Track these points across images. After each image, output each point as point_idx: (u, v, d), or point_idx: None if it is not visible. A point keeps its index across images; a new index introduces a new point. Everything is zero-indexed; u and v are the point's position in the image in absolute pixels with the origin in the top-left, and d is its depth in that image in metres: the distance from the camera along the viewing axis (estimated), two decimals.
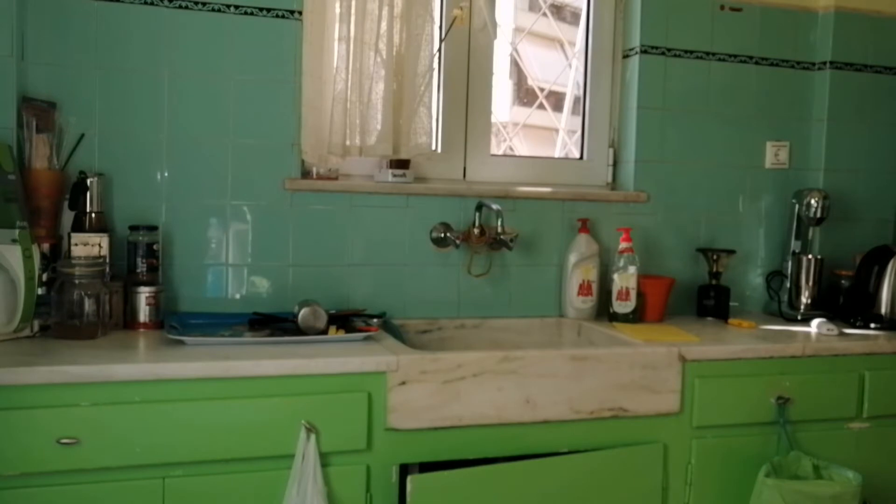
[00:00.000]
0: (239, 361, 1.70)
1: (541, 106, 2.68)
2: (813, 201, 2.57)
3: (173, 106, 2.13)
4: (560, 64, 2.70)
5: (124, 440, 1.62)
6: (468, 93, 2.47)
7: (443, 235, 2.35)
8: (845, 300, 2.57)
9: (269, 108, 2.20)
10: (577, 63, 2.67)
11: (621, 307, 2.37)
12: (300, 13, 2.20)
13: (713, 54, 2.61)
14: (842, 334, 2.27)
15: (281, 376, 1.72)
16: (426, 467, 1.82)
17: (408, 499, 1.75)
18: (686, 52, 2.59)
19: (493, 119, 2.54)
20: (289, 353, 1.80)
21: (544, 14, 2.67)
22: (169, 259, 2.14)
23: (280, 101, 2.20)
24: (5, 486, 1.56)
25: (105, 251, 1.99)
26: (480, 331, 2.39)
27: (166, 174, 2.14)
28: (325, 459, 1.73)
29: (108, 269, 1.97)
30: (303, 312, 1.97)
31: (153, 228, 2.08)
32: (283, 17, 2.19)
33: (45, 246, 1.95)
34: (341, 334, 1.98)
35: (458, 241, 2.33)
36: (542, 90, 2.68)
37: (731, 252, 2.57)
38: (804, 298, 2.60)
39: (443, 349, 2.12)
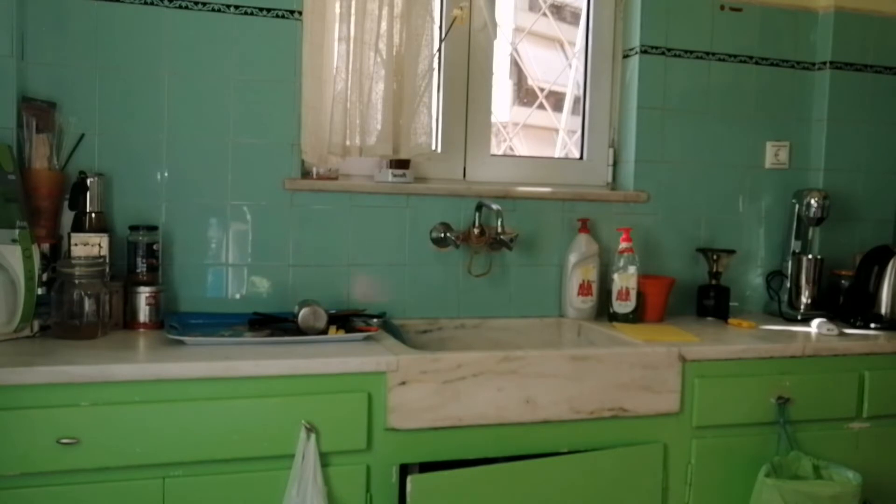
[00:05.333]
0: (239, 361, 1.70)
1: (541, 106, 2.68)
2: (813, 201, 2.57)
3: (173, 106, 2.13)
4: (560, 64, 2.70)
5: (124, 440, 1.62)
6: (468, 93, 2.47)
7: (443, 235, 2.35)
8: (845, 300, 2.57)
9: (269, 108, 2.20)
10: (577, 63, 2.67)
11: (621, 307, 2.37)
12: (300, 13, 2.20)
13: (713, 54, 2.61)
14: (842, 334, 2.27)
15: (281, 376, 1.72)
16: (426, 467, 1.82)
17: (408, 499, 1.75)
18: (686, 52, 2.59)
19: (493, 119, 2.54)
20: (289, 353, 1.80)
21: (544, 14, 2.67)
22: (169, 259, 2.14)
23: (280, 101, 2.20)
24: (5, 486, 1.56)
25: (105, 251, 1.99)
26: (480, 331, 2.39)
27: (166, 174, 2.14)
28: (325, 459, 1.73)
29: (108, 269, 1.97)
30: (303, 312, 1.97)
31: (153, 228, 2.08)
32: (283, 17, 2.19)
33: (45, 246, 1.95)
34: (341, 334, 1.98)
35: (458, 241, 2.33)
36: (542, 90, 2.68)
37: (731, 252, 2.57)
38: (804, 298, 2.60)
39: (443, 349, 2.12)
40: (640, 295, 2.38)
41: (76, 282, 1.86)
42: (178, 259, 2.16)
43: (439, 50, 2.37)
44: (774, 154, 2.69)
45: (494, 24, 2.44)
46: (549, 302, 2.49)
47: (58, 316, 1.86)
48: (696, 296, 2.57)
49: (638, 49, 2.55)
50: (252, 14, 2.17)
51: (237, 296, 2.21)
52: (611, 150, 2.65)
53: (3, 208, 1.79)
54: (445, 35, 2.40)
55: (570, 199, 2.50)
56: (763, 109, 2.68)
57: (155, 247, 2.06)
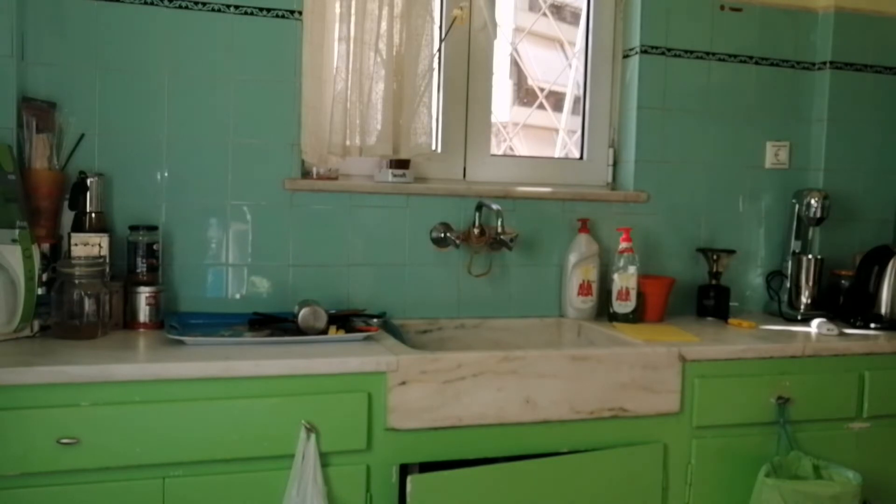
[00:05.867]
0: (239, 361, 1.70)
1: (541, 106, 2.68)
2: (813, 201, 2.57)
3: (173, 106, 2.13)
4: (560, 64, 2.70)
5: (124, 440, 1.62)
6: (468, 93, 2.47)
7: (443, 235, 2.35)
8: (845, 300, 2.57)
9: (269, 108, 2.20)
10: (577, 63, 2.67)
11: (621, 307, 2.37)
12: (300, 13, 2.20)
13: (713, 54, 2.61)
14: (842, 334, 2.27)
15: (281, 376, 1.72)
16: (426, 467, 1.82)
17: (408, 499, 1.75)
18: (686, 52, 2.59)
19: (493, 119, 2.54)
20: (289, 353, 1.80)
21: (544, 14, 2.67)
22: (169, 259, 2.14)
23: (280, 101, 2.20)
24: (5, 486, 1.56)
25: (105, 251, 1.99)
26: (480, 331, 2.39)
27: (166, 174, 2.14)
28: (325, 459, 1.73)
29: (108, 269, 1.97)
30: (303, 312, 1.97)
31: (153, 228, 2.08)
32: (283, 17, 2.19)
33: (45, 246, 1.95)
34: (341, 334, 1.98)
35: (458, 241, 2.33)
36: (542, 90, 2.68)
37: (731, 252, 2.58)
38: (804, 298, 2.60)
39: (443, 349, 2.12)
40: (640, 295, 2.38)
41: (76, 282, 1.86)
42: (178, 259, 2.16)
43: (439, 50, 2.37)
44: (774, 154, 2.69)
45: (494, 24, 2.44)
46: (549, 302, 2.49)
47: (58, 316, 1.86)
48: (696, 296, 2.57)
49: (638, 49, 2.55)
50: (252, 14, 2.17)
51: (237, 296, 2.21)
52: (611, 150, 2.65)
53: (3, 208, 1.79)
54: (445, 35, 2.40)
55: (570, 199, 2.50)
56: (763, 109, 2.67)
57: (155, 247, 2.06)
